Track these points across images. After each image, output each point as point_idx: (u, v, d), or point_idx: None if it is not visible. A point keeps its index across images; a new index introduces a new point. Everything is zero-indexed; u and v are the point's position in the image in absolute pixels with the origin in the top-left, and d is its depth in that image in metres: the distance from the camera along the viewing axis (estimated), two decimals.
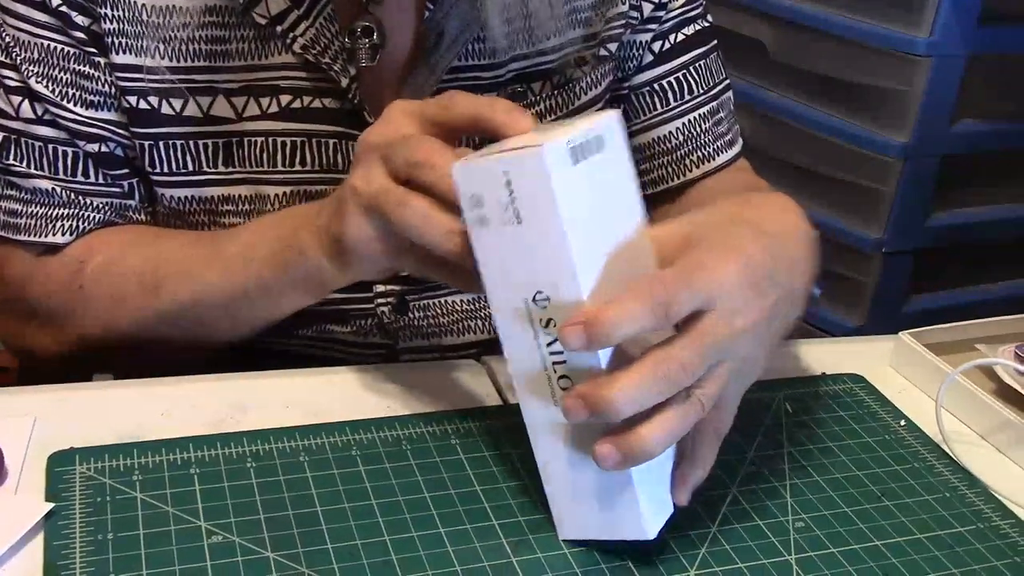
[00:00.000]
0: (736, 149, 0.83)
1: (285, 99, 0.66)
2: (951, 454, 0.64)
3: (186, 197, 0.68)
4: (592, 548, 0.53)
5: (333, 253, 0.57)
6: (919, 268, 1.61)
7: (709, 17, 0.80)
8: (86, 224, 0.67)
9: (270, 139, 0.67)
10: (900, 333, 0.73)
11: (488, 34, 0.67)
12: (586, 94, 0.75)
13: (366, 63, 0.66)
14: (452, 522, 0.54)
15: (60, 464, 0.55)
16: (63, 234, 0.67)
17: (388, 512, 0.54)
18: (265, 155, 0.67)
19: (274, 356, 0.71)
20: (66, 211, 0.67)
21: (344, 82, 0.66)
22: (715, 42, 0.81)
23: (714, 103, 0.80)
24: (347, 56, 0.66)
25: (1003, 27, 1.49)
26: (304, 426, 0.59)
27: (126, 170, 0.68)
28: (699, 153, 0.80)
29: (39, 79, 0.65)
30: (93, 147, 0.67)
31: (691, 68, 0.79)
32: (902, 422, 0.67)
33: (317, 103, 0.67)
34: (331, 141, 0.68)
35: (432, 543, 0.52)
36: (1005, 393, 0.68)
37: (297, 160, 0.68)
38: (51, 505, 0.52)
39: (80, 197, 0.67)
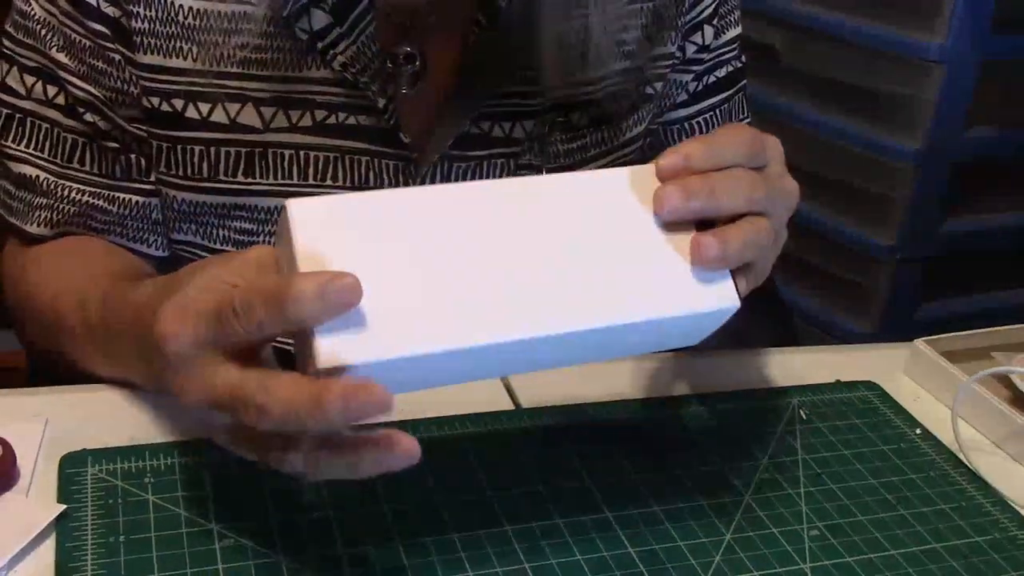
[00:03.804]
0: None
1: (320, 114, 0.66)
2: (967, 463, 0.63)
3: (197, 202, 0.68)
4: (605, 554, 0.53)
5: None
6: (931, 275, 1.60)
7: (743, 57, 0.81)
8: (59, 216, 0.68)
9: (301, 152, 0.66)
10: (915, 340, 0.73)
11: (538, 61, 0.67)
12: (631, 131, 0.76)
13: (406, 90, 0.66)
14: (464, 527, 0.53)
15: (72, 466, 0.55)
16: (38, 224, 0.68)
17: (399, 517, 0.54)
18: (295, 168, 0.67)
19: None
20: (45, 200, 0.68)
21: (381, 102, 0.65)
22: (743, 82, 0.82)
23: None
24: (387, 79, 0.65)
25: (1017, 33, 1.48)
26: None
27: (118, 146, 0.68)
28: None
29: (59, 50, 0.65)
30: (91, 118, 0.66)
31: (716, 111, 0.81)
32: (917, 430, 0.66)
33: (352, 120, 0.66)
34: (363, 159, 0.67)
35: (444, 548, 0.52)
36: (1021, 401, 0.68)
37: (329, 175, 0.67)
38: (63, 507, 0.52)
39: (61, 187, 0.67)
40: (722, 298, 0.50)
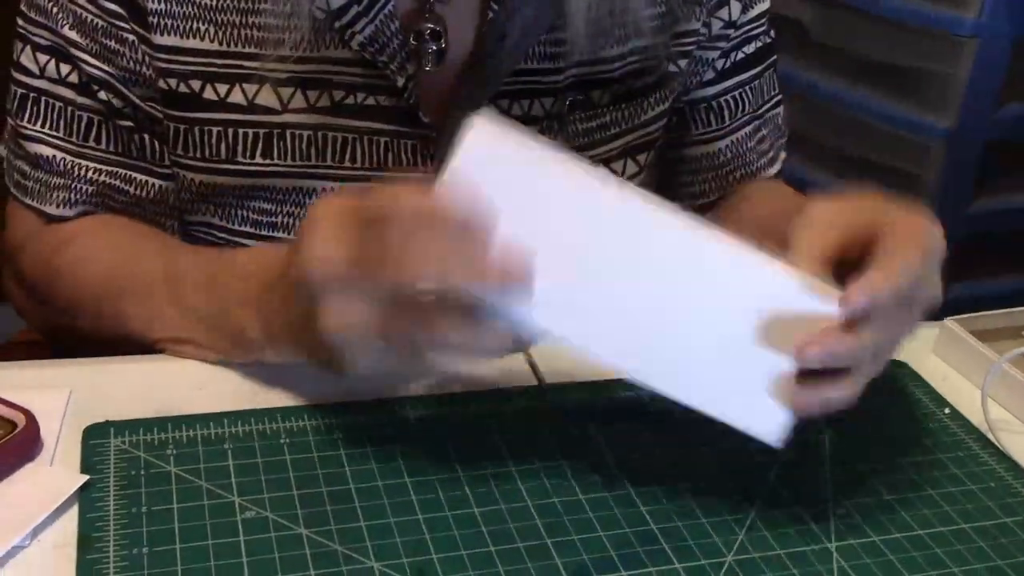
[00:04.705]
0: (777, 167, 0.84)
1: (338, 94, 0.65)
2: (997, 443, 0.62)
3: (215, 184, 0.68)
4: (627, 530, 0.52)
5: (314, 357, 0.54)
6: (960, 255, 1.58)
7: (772, 32, 0.80)
8: (78, 196, 0.68)
9: (319, 133, 0.66)
10: (945, 319, 0.72)
11: (570, 33, 0.66)
12: (653, 109, 0.74)
13: (430, 68, 0.66)
14: (487, 503, 0.53)
15: (95, 437, 0.55)
16: (57, 205, 0.68)
17: (422, 491, 0.53)
18: (313, 149, 0.66)
19: None
20: (61, 181, 0.67)
21: (400, 81, 0.65)
22: (773, 58, 0.81)
23: (758, 121, 0.81)
24: (407, 57, 0.65)
25: None
26: (339, 403, 0.59)
27: (132, 124, 0.68)
28: (743, 171, 0.82)
29: (71, 28, 0.65)
30: (105, 96, 0.66)
31: (747, 88, 0.79)
32: (946, 410, 0.65)
33: (371, 100, 0.66)
34: (383, 139, 0.67)
35: (466, 523, 0.52)
36: None
37: (347, 156, 0.67)
38: (86, 477, 0.52)
39: (77, 167, 0.67)
40: (767, 431, 0.51)
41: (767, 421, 0.51)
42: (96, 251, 0.67)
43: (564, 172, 0.49)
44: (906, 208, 0.55)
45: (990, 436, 0.63)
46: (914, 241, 0.53)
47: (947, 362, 0.71)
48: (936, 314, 0.73)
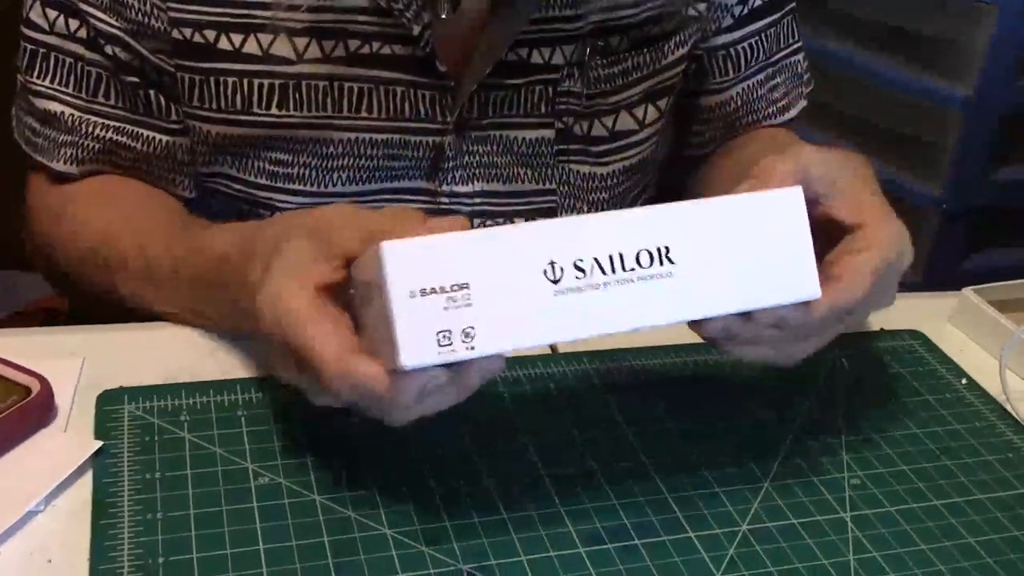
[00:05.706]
0: (789, 115, 0.82)
1: (353, 44, 0.65)
2: (1014, 414, 0.62)
3: (231, 135, 0.67)
4: (640, 499, 0.52)
5: None
6: (978, 226, 1.57)
7: None
8: (84, 153, 0.68)
9: (334, 83, 0.65)
10: (963, 289, 0.71)
11: None
12: (673, 53, 0.74)
13: (445, 15, 0.65)
14: (499, 471, 0.53)
15: (109, 403, 0.55)
16: (64, 162, 0.68)
17: (434, 460, 0.53)
18: (329, 100, 0.66)
19: None
20: (69, 138, 0.67)
21: (416, 30, 0.64)
22: (791, 5, 0.80)
23: (771, 68, 0.80)
24: (423, 5, 0.64)
25: None
26: None
27: (139, 79, 0.67)
28: (751, 118, 0.81)
29: None
30: (112, 50, 0.66)
31: (763, 35, 0.78)
32: (963, 380, 0.65)
33: (386, 49, 0.65)
34: (399, 89, 0.66)
35: (478, 493, 0.52)
36: None
37: (363, 107, 0.66)
38: (100, 443, 0.52)
39: (85, 123, 0.67)
40: (804, 289, 0.51)
41: (796, 280, 0.50)
42: (83, 228, 0.67)
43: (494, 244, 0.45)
44: (886, 210, 0.55)
45: (1008, 407, 0.62)
46: (880, 253, 0.53)
47: (965, 332, 0.70)
48: (951, 287, 0.73)
